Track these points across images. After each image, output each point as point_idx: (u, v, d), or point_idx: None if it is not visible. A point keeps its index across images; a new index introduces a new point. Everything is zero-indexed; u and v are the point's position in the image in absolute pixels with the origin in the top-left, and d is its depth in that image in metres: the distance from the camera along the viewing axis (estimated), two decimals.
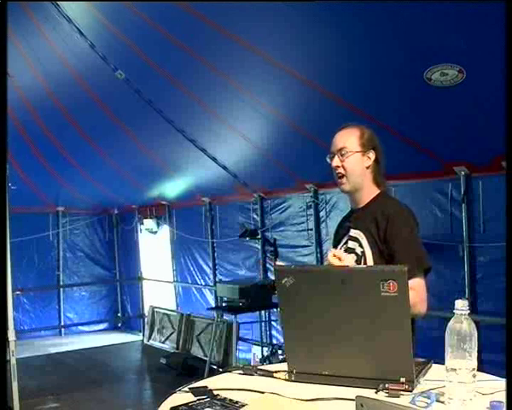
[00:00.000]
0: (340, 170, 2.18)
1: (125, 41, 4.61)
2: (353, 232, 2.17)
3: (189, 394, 1.49)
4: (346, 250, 2.17)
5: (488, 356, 3.25)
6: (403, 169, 4.35)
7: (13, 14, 3.98)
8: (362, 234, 2.13)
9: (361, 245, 2.12)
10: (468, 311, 1.36)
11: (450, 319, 1.36)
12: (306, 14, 3.44)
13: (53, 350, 8.03)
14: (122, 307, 9.65)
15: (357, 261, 2.10)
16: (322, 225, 5.71)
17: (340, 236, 2.30)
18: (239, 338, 5.86)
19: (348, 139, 2.19)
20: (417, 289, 1.91)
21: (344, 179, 2.19)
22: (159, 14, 4.13)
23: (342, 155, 2.17)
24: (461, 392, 1.32)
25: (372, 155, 2.18)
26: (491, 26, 2.78)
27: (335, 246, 2.29)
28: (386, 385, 1.45)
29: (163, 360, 6.83)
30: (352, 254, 2.12)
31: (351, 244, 2.16)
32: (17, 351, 4.58)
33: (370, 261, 2.07)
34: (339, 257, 2.00)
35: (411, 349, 1.46)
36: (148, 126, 5.77)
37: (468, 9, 2.82)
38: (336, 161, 2.18)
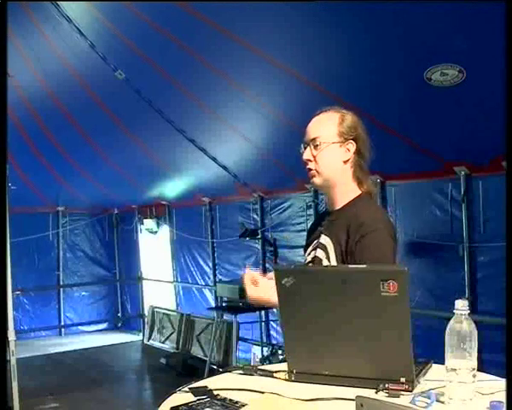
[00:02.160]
0: (311, 164, 1.86)
1: (125, 41, 4.61)
2: (323, 239, 1.87)
3: (189, 394, 1.49)
4: (313, 259, 1.91)
5: (488, 356, 3.25)
6: (403, 169, 4.35)
7: (13, 14, 3.98)
8: (331, 243, 1.83)
9: (328, 257, 1.83)
10: (468, 311, 1.36)
11: (450, 319, 1.36)
12: (306, 14, 3.44)
13: (53, 350, 8.02)
14: (122, 307, 9.64)
15: None
16: None
17: (310, 240, 1.99)
18: (239, 338, 5.86)
19: (323, 127, 1.86)
20: None
21: (314, 173, 1.86)
22: (158, 14, 4.13)
23: (315, 147, 1.84)
24: (461, 392, 1.32)
25: (352, 146, 1.84)
26: (491, 26, 2.78)
27: (304, 251, 2.02)
28: (386, 385, 1.44)
29: (163, 360, 6.83)
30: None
31: (319, 254, 1.87)
32: (17, 351, 4.58)
33: None
34: (254, 280, 1.82)
35: (411, 349, 1.46)
36: (148, 126, 5.77)
37: (468, 9, 2.82)
38: (307, 154, 1.85)
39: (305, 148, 1.88)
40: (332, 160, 1.84)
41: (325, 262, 1.85)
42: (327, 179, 1.87)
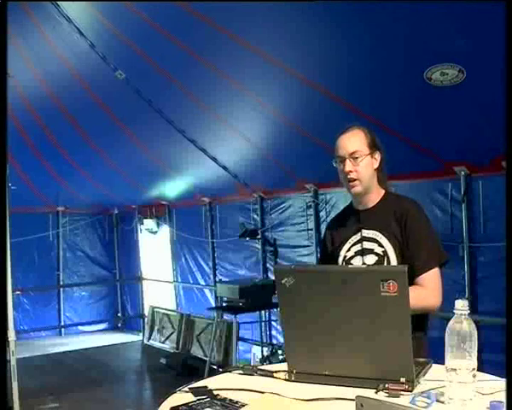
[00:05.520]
0: (353, 174, 2.16)
1: (125, 41, 4.61)
2: (368, 233, 2.16)
3: (189, 394, 1.49)
4: (362, 252, 2.16)
5: (488, 356, 3.25)
6: (403, 169, 4.34)
7: (13, 14, 3.97)
8: (379, 234, 2.13)
9: (381, 245, 2.12)
10: (468, 311, 1.36)
11: (450, 319, 1.36)
12: (306, 14, 3.44)
13: (53, 350, 8.02)
14: (122, 307, 9.64)
15: (379, 261, 2.10)
16: (322, 225, 5.71)
17: (342, 238, 2.25)
18: (239, 338, 5.86)
19: (358, 142, 2.17)
20: (432, 280, 2.03)
21: (357, 182, 2.17)
22: (159, 14, 4.12)
23: (355, 160, 2.15)
24: (461, 392, 1.32)
25: (378, 155, 2.20)
26: (491, 26, 2.78)
27: (335, 250, 2.25)
28: (386, 385, 1.45)
29: (163, 360, 6.83)
30: (372, 255, 2.13)
31: (367, 245, 2.15)
32: (17, 351, 4.57)
33: (393, 259, 2.08)
34: None
35: (411, 349, 1.46)
36: (148, 126, 5.77)
37: (468, 9, 2.82)
38: (349, 166, 2.15)
39: (342, 162, 2.17)
40: (368, 168, 2.18)
41: (379, 249, 2.12)
42: (366, 186, 2.19)
